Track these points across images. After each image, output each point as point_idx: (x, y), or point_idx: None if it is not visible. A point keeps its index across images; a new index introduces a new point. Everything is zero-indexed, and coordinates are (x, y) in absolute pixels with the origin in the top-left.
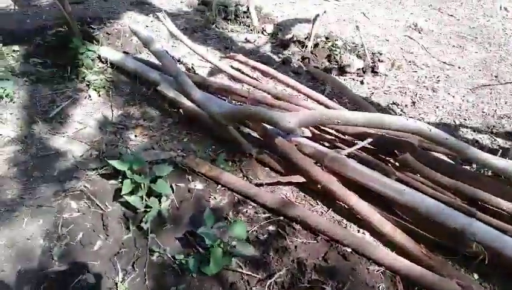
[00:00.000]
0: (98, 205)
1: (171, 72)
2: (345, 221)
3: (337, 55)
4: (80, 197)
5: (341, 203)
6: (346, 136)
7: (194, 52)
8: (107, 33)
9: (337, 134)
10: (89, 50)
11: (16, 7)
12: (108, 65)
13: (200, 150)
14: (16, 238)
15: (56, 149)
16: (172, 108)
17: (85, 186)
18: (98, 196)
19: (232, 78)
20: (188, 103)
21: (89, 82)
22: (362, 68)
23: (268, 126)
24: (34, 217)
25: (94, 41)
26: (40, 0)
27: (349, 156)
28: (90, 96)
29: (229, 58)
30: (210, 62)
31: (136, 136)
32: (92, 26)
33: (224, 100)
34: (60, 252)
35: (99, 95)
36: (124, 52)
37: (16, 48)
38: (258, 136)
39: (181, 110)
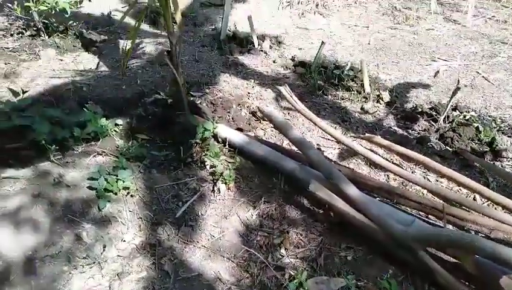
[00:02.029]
0: None
1: (320, 167)
2: None
3: (487, 135)
4: None
5: None
6: None
7: (325, 131)
8: (211, 103)
9: None
10: (205, 129)
11: (120, 73)
12: (227, 146)
13: (377, 276)
14: None
15: (196, 269)
16: (316, 207)
17: None
18: None
19: (371, 164)
20: (341, 204)
21: (214, 171)
22: None
23: (480, 257)
24: None
25: (204, 115)
26: (131, 60)
27: None
28: (218, 189)
29: (365, 140)
30: (342, 143)
31: (286, 249)
32: (192, 93)
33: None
34: None
35: (228, 188)
36: (238, 128)
37: (119, 121)
38: (450, 258)
39: (331, 213)
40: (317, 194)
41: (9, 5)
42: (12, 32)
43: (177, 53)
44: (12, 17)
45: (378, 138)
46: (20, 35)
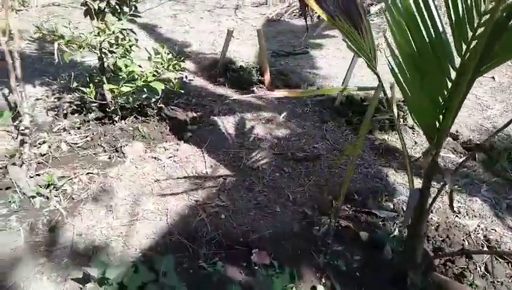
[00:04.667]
0: None
1: None
2: None
3: None
4: None
5: None
6: None
7: None
8: None
9: None
10: None
11: None
12: None
13: None
14: None
15: None
16: None
17: None
18: None
19: None
20: None
21: None
22: None
23: None
24: None
25: None
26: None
27: None
28: None
29: None
30: None
31: None
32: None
33: None
34: None
35: None
36: None
37: None
38: None
39: None
40: None
41: (61, 75)
42: (65, 112)
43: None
44: (54, 86)
45: None
46: (79, 116)
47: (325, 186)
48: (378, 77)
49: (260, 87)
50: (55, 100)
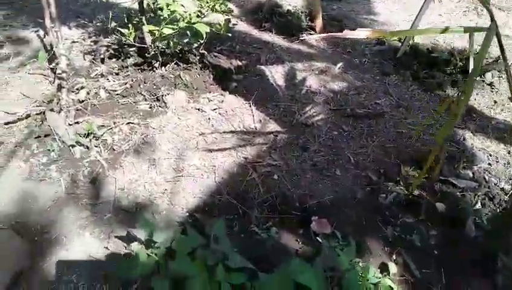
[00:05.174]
0: None
1: None
2: None
3: None
4: None
5: None
6: None
7: None
8: None
9: None
10: None
11: None
12: None
13: None
14: None
15: None
16: None
17: None
18: None
19: None
20: None
21: None
22: None
23: None
24: None
25: None
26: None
27: None
28: None
29: None
30: None
31: None
32: None
33: None
34: None
35: None
36: None
37: None
38: None
39: None
40: None
41: (96, 17)
42: (103, 56)
43: None
44: (90, 29)
45: None
46: (117, 62)
47: (392, 149)
48: (491, 14)
49: (310, 33)
50: (92, 43)
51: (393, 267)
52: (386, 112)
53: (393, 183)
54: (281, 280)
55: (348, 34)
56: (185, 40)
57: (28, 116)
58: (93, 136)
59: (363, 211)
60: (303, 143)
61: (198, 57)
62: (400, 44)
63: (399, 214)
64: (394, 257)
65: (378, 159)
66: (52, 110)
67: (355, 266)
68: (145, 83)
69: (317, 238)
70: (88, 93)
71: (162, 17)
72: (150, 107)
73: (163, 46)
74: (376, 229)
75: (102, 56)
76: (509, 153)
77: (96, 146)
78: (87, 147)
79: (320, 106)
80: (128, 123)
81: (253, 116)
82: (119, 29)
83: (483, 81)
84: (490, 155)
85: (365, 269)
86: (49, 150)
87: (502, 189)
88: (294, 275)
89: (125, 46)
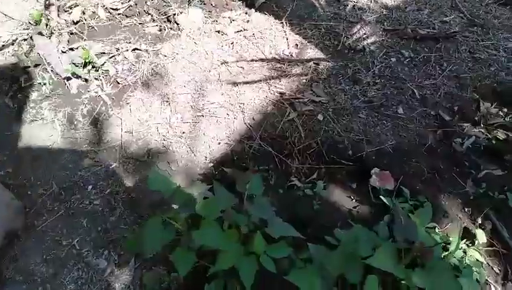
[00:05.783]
0: None
1: None
2: None
3: None
4: None
5: None
6: None
7: None
8: None
9: None
10: None
11: None
12: None
13: None
14: None
15: None
16: None
17: None
18: None
19: None
20: None
21: None
22: None
23: None
24: None
25: None
26: None
27: None
28: None
29: None
30: None
31: None
32: None
33: None
34: None
35: None
36: None
37: None
38: None
39: None
40: None
41: None
42: None
43: None
44: None
45: None
46: None
47: (468, 80)
48: None
49: None
50: None
51: (481, 235)
52: (456, 32)
53: (470, 124)
54: (344, 259)
55: None
56: None
57: (13, 42)
58: (92, 66)
59: (435, 160)
60: (353, 73)
61: None
62: None
63: (480, 165)
64: (480, 220)
65: (450, 94)
66: (40, 33)
67: (432, 234)
68: (152, 0)
69: (379, 195)
70: (83, 13)
71: None
72: (160, 30)
73: None
74: (452, 183)
75: None
76: None
77: (96, 78)
78: (86, 80)
79: (372, 25)
80: (134, 49)
81: (287, 39)
82: None
83: None
84: None
85: (447, 240)
86: (40, 83)
87: None
88: (363, 250)
89: None
